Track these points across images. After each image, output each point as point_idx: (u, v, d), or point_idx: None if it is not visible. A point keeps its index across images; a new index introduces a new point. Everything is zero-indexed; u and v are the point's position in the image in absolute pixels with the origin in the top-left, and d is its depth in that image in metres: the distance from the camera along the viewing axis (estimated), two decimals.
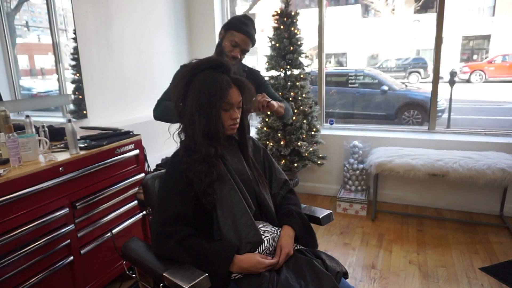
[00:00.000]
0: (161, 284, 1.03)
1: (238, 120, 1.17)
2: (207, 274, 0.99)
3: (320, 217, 1.34)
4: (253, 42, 1.68)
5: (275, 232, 1.18)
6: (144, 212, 2.12)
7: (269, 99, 1.51)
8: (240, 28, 1.63)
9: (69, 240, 1.65)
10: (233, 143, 1.27)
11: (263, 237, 1.13)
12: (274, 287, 1.02)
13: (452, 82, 4.30)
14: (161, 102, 1.70)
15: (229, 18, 1.71)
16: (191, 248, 1.06)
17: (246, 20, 1.67)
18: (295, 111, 2.90)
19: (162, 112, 1.66)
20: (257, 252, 1.11)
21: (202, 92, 1.09)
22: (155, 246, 1.11)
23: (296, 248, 1.19)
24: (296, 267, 1.09)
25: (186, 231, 1.09)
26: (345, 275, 1.17)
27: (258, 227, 1.16)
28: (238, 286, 1.06)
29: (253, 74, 1.83)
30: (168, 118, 1.60)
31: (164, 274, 1.00)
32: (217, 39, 1.75)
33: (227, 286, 1.05)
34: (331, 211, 1.38)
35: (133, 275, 1.26)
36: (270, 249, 1.14)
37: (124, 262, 1.28)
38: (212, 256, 1.04)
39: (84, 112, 2.39)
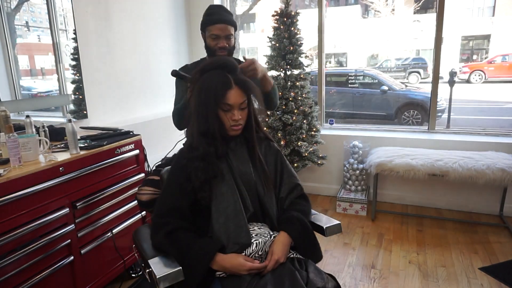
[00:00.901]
0: (148, 270, 1.08)
1: (240, 121, 1.15)
2: (180, 268, 1.03)
3: (324, 227, 1.25)
4: (230, 23, 1.63)
5: (269, 236, 1.15)
6: (144, 212, 2.13)
7: (258, 69, 1.44)
8: (209, 21, 1.61)
9: (69, 240, 1.65)
10: (241, 143, 1.25)
11: (252, 240, 1.11)
12: None
13: (451, 82, 4.31)
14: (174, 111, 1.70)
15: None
16: (177, 241, 1.09)
17: (212, 10, 1.64)
18: (295, 111, 2.90)
19: (175, 119, 1.67)
20: (244, 254, 1.10)
21: (200, 93, 1.13)
22: (151, 236, 1.17)
23: (291, 256, 1.16)
24: (279, 276, 1.05)
25: (178, 224, 1.11)
26: None
27: (252, 229, 1.15)
28: (222, 284, 1.06)
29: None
30: (180, 122, 1.64)
31: (148, 261, 1.08)
32: None
33: (210, 283, 1.06)
34: (339, 222, 1.27)
35: (133, 275, 1.28)
36: (260, 252, 1.12)
37: (125, 262, 1.29)
38: (194, 251, 1.06)
39: (84, 112, 2.39)
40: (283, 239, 1.15)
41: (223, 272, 1.07)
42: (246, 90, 1.15)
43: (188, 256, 1.05)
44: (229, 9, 3.73)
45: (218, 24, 1.60)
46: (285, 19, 2.87)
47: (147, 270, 1.08)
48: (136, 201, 1.66)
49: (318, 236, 1.24)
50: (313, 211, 1.35)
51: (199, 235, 1.13)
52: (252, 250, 1.11)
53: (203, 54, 1.81)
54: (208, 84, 1.12)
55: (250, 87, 1.16)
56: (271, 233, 1.18)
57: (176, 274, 1.02)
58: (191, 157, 1.14)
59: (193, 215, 1.15)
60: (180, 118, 1.64)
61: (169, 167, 1.35)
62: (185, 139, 1.42)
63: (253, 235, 1.14)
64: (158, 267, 1.04)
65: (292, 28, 2.87)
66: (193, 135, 1.15)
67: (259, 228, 1.17)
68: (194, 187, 1.12)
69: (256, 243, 1.11)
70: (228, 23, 1.62)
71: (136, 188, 1.90)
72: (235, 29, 1.68)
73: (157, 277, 0.99)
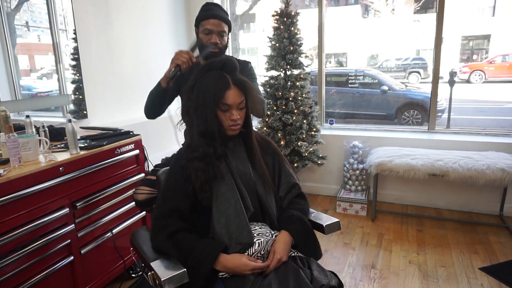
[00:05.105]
0: (149, 273, 1.08)
1: (239, 121, 1.16)
2: (185, 270, 1.02)
3: (324, 225, 1.27)
4: (224, 21, 1.62)
5: (270, 236, 1.16)
6: (144, 212, 2.13)
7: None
8: (204, 16, 1.61)
9: (69, 240, 1.65)
10: (239, 144, 1.25)
11: (255, 239, 1.12)
12: None
13: (451, 82, 4.31)
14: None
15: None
16: (179, 242, 1.09)
17: (208, 6, 1.64)
18: (295, 111, 2.90)
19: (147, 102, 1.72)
20: (246, 254, 1.10)
21: (199, 93, 1.13)
22: (150, 238, 1.16)
23: (292, 255, 1.17)
24: (283, 274, 1.06)
25: (179, 225, 1.11)
26: (340, 286, 1.12)
27: (253, 229, 1.15)
28: (225, 284, 1.06)
29: (240, 65, 1.79)
30: (150, 103, 1.72)
31: (151, 263, 1.06)
32: None
33: (213, 284, 1.07)
34: (338, 220, 1.30)
35: (133, 275, 1.27)
36: (262, 252, 1.12)
37: (125, 262, 1.28)
38: (197, 252, 1.06)
39: (84, 112, 2.39)
40: (284, 238, 1.16)
41: (226, 273, 1.07)
42: (244, 90, 1.16)
43: (191, 257, 1.05)
44: (229, 9, 3.74)
45: (212, 19, 1.59)
46: (285, 19, 2.87)
47: (150, 273, 1.07)
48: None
49: (318, 235, 1.26)
50: (312, 209, 1.36)
51: (200, 236, 1.13)
52: (255, 249, 1.11)
53: None
54: (206, 85, 1.12)
55: (248, 87, 1.17)
56: (272, 232, 1.18)
57: (181, 276, 1.01)
58: (191, 158, 1.14)
59: (193, 216, 1.15)
60: (151, 103, 1.71)
61: (167, 167, 1.34)
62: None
63: (255, 234, 1.14)
64: (161, 269, 1.03)
65: (292, 28, 2.87)
66: (192, 135, 1.15)
67: (260, 228, 1.18)
68: (194, 187, 1.13)
69: (259, 242, 1.12)
70: (223, 20, 1.61)
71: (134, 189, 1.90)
72: (229, 29, 1.67)
73: (162, 279, 0.98)
